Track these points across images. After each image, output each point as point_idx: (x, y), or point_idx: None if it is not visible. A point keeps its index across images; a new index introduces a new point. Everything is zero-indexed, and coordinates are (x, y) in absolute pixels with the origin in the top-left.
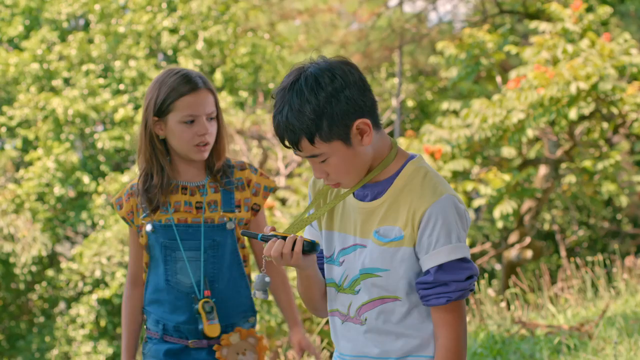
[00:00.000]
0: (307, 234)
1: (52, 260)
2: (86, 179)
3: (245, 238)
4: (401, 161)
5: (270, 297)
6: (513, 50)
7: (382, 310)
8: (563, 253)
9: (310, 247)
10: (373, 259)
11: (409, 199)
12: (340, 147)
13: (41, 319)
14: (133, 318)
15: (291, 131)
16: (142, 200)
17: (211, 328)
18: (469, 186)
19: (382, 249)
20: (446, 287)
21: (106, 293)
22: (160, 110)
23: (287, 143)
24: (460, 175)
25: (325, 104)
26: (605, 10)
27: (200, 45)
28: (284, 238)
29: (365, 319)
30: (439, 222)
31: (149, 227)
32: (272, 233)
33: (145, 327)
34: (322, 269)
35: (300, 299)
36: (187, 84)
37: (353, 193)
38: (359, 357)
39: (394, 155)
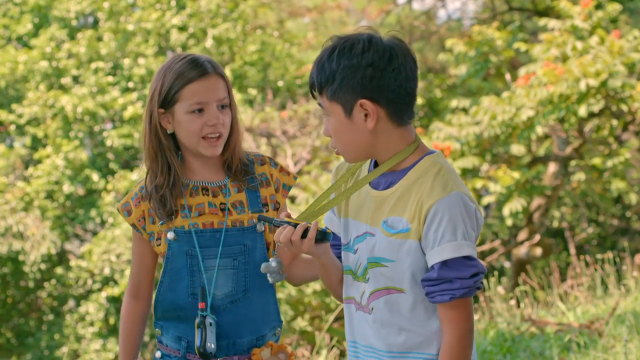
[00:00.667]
0: (327, 221)
1: (61, 258)
2: (95, 176)
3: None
4: (419, 155)
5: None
6: (522, 47)
7: (388, 300)
8: (572, 250)
9: (322, 236)
10: (381, 249)
11: (419, 192)
12: (340, 113)
13: (50, 317)
14: (133, 336)
15: (312, 76)
16: (155, 204)
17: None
18: (478, 184)
19: (389, 240)
20: (450, 284)
21: (115, 291)
22: (165, 100)
23: (311, 81)
24: (469, 173)
25: (345, 70)
26: (614, 7)
27: (209, 42)
28: (296, 225)
29: (372, 308)
30: (445, 218)
31: (170, 235)
32: (286, 219)
33: (158, 341)
34: (339, 257)
35: (327, 289)
36: (195, 69)
37: (370, 184)
38: (368, 348)
39: (414, 148)
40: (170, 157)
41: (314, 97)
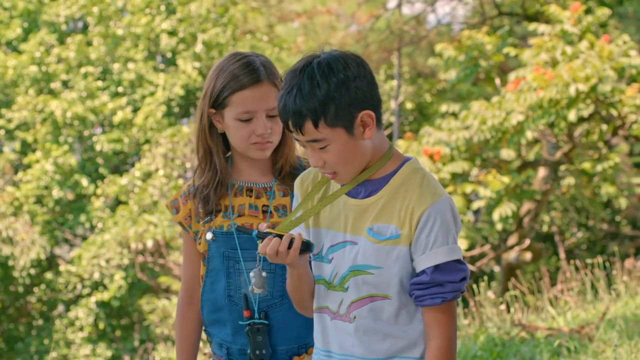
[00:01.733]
0: (294, 232)
1: (51, 262)
2: (85, 181)
3: None
4: (397, 161)
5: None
6: (512, 52)
7: (372, 308)
8: (562, 255)
9: (306, 247)
10: (366, 256)
11: (407, 199)
12: (343, 135)
13: (40, 322)
14: (189, 343)
15: (297, 113)
16: (198, 202)
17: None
18: (468, 188)
19: (376, 247)
20: (441, 288)
21: (105, 295)
22: (216, 102)
23: (290, 125)
24: (459, 177)
25: (336, 90)
26: (603, 12)
27: (199, 47)
28: (280, 236)
29: (354, 317)
30: (437, 222)
31: (209, 235)
32: (268, 230)
33: (210, 350)
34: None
35: (291, 298)
36: (248, 74)
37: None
38: (347, 357)
39: (391, 155)
40: (218, 157)
41: (300, 133)
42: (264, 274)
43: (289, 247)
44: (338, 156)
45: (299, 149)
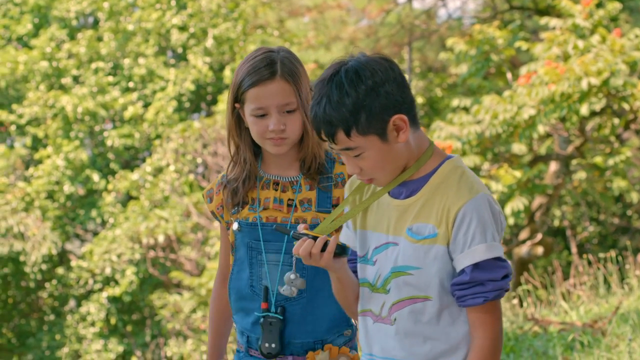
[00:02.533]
0: (342, 236)
1: (62, 258)
2: (96, 176)
3: None
4: (438, 159)
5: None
6: (523, 46)
7: (412, 310)
8: (574, 249)
9: (341, 250)
10: (406, 257)
11: (444, 197)
12: (376, 141)
13: (51, 317)
14: (222, 320)
15: (328, 123)
16: (227, 194)
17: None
18: None
19: (415, 247)
20: (483, 287)
21: (116, 291)
22: (237, 97)
23: (323, 135)
24: None
25: (365, 97)
26: (614, 6)
27: (209, 42)
28: (315, 238)
29: (395, 319)
30: (475, 220)
31: (235, 226)
32: (305, 232)
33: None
34: (354, 271)
35: (340, 304)
36: (263, 70)
37: (389, 192)
38: (388, 359)
39: (431, 153)
40: (245, 151)
41: (333, 142)
42: (292, 276)
43: (323, 249)
44: (373, 162)
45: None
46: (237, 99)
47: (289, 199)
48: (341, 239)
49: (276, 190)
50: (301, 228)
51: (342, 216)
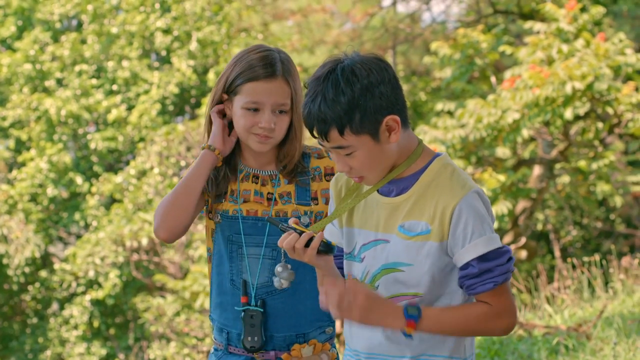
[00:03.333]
0: (326, 232)
1: (45, 261)
2: (79, 179)
3: None
4: (427, 158)
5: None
6: (508, 50)
7: None
8: (557, 253)
9: (326, 248)
10: (397, 253)
11: (437, 195)
12: (368, 141)
13: (34, 320)
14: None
15: (322, 120)
16: (210, 183)
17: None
18: None
19: (407, 243)
20: (491, 273)
21: (99, 294)
22: (229, 89)
23: (315, 132)
24: None
25: (360, 96)
26: (598, 10)
27: (193, 45)
28: (302, 233)
29: None
30: (471, 215)
31: (216, 218)
32: (293, 226)
33: (214, 337)
34: (340, 267)
35: None
36: (264, 67)
37: (377, 190)
38: (373, 356)
39: (420, 152)
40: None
41: (326, 140)
42: (290, 267)
43: (308, 245)
44: (364, 162)
45: (309, 140)
46: (229, 90)
47: (269, 193)
48: (326, 236)
49: (256, 183)
50: (292, 222)
51: (332, 213)
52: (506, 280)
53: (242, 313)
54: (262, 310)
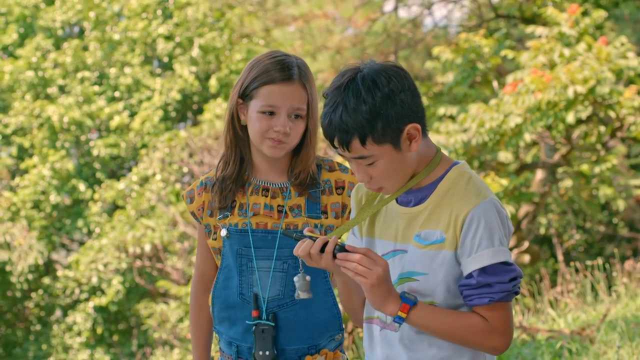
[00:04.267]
0: (349, 241)
1: (48, 268)
2: (82, 186)
3: None
4: (445, 166)
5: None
6: (510, 54)
7: None
8: (560, 257)
9: (342, 251)
10: (413, 262)
11: (452, 203)
12: (390, 150)
13: (38, 327)
14: (208, 330)
15: (344, 130)
16: (216, 194)
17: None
18: None
19: (422, 252)
20: (489, 288)
21: (103, 300)
22: (245, 93)
23: (336, 143)
24: None
25: (382, 105)
26: (600, 14)
27: (195, 51)
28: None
29: (399, 326)
30: (482, 224)
31: (223, 232)
32: (308, 234)
33: (219, 347)
34: None
35: (345, 310)
36: (280, 71)
37: (396, 199)
38: None
39: (439, 160)
40: (244, 149)
41: (347, 150)
42: (307, 277)
43: (323, 250)
44: (385, 171)
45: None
46: (244, 95)
47: (279, 205)
48: (348, 243)
49: (266, 196)
50: (306, 231)
51: (350, 222)
52: (504, 300)
53: (254, 327)
54: (273, 324)
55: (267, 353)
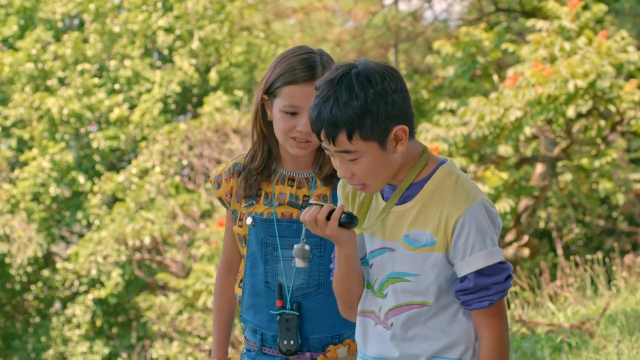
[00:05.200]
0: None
1: (48, 260)
2: (81, 178)
3: None
4: (432, 165)
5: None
6: (510, 48)
7: (409, 316)
8: (560, 251)
9: (349, 219)
10: (403, 263)
11: (441, 204)
12: (375, 148)
13: (37, 319)
14: (227, 312)
15: (332, 123)
16: (242, 183)
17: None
18: None
19: (412, 254)
20: (487, 291)
21: (102, 293)
22: (269, 90)
23: (322, 135)
24: None
25: (373, 102)
26: (600, 8)
27: (195, 44)
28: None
29: (392, 324)
30: (473, 228)
31: (249, 220)
32: (314, 202)
33: (244, 337)
34: None
35: (336, 297)
36: (304, 70)
37: (382, 196)
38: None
39: (426, 159)
40: (273, 143)
41: (332, 144)
42: (307, 247)
43: (329, 218)
44: (368, 169)
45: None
46: (269, 92)
47: (305, 195)
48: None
49: (292, 186)
50: (313, 199)
51: (359, 228)
52: (502, 298)
53: (278, 317)
54: (297, 313)
55: (292, 342)
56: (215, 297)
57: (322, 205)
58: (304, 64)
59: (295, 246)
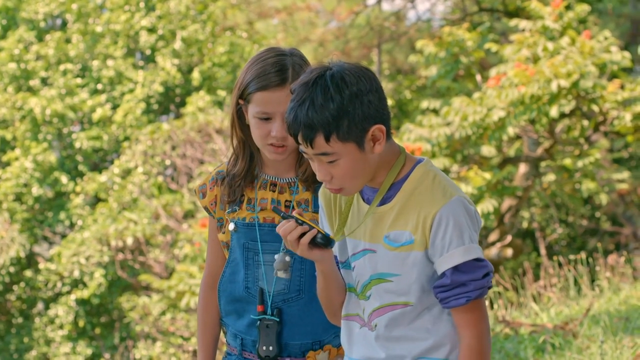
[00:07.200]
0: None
1: (30, 260)
2: (64, 179)
3: None
4: (409, 165)
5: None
6: (493, 48)
7: (393, 316)
8: (543, 251)
9: (325, 241)
10: (385, 264)
11: (419, 203)
12: (353, 149)
13: (19, 320)
14: (211, 328)
15: (309, 126)
16: (226, 189)
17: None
18: None
19: (393, 254)
20: (465, 287)
21: (85, 293)
22: (242, 95)
23: (299, 139)
24: None
25: (349, 103)
26: (583, 8)
27: (178, 44)
28: (303, 223)
29: (375, 325)
30: (450, 224)
31: (231, 226)
32: (294, 215)
33: (225, 340)
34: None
35: (322, 305)
36: (273, 75)
37: (363, 198)
38: None
39: (403, 160)
40: (254, 146)
41: (310, 147)
42: (287, 258)
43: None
44: (346, 171)
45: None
46: (242, 96)
47: (287, 200)
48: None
49: (273, 191)
50: (295, 213)
51: (342, 233)
52: (480, 297)
53: (258, 322)
54: (278, 319)
55: (271, 348)
56: (199, 314)
57: (301, 221)
58: (274, 68)
59: (276, 257)
